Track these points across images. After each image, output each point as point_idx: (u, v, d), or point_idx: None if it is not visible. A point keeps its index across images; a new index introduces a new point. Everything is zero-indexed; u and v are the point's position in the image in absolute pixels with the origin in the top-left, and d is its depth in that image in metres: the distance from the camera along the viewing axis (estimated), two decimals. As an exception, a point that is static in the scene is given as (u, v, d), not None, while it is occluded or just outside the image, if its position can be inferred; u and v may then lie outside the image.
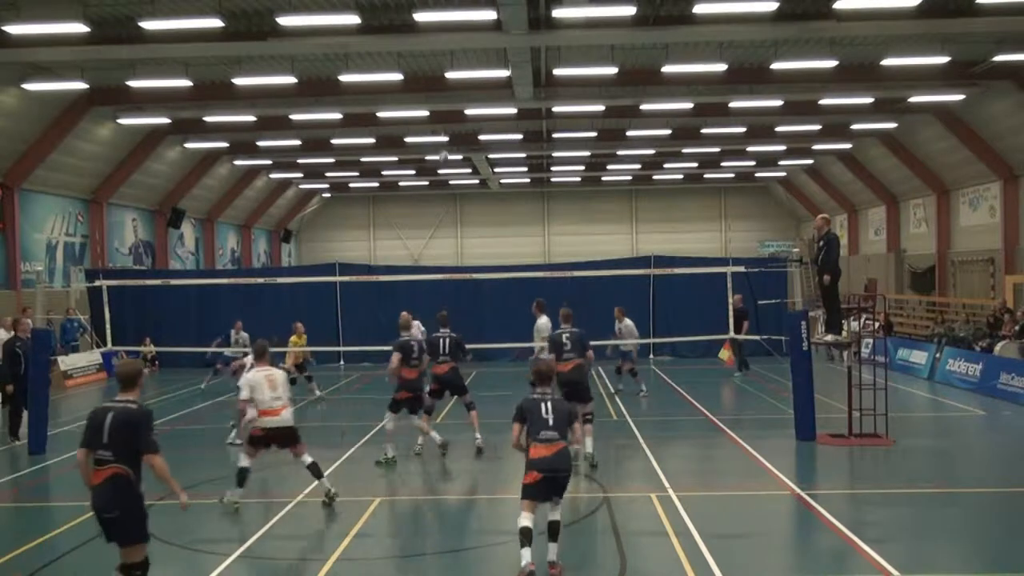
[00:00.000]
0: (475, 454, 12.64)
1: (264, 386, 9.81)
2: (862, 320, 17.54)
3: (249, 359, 12.04)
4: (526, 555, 7.23)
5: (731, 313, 17.31)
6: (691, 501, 9.84)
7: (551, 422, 7.50)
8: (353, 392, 20.84)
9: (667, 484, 10.65)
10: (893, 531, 8.85)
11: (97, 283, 20.61)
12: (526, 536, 7.26)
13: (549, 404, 7.64)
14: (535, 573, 7.22)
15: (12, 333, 15.26)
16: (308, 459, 10.08)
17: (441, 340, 13.03)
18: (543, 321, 14.34)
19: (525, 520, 7.32)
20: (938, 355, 20.69)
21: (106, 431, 6.18)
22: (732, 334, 18.40)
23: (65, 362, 22.66)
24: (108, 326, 17.43)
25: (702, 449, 13.31)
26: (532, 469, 7.42)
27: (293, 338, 18.31)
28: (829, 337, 13.92)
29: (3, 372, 14.48)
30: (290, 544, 9.06)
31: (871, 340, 19.11)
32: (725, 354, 21.85)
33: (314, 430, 14.33)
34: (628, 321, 17.94)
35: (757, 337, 18.48)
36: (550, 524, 7.50)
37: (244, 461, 9.98)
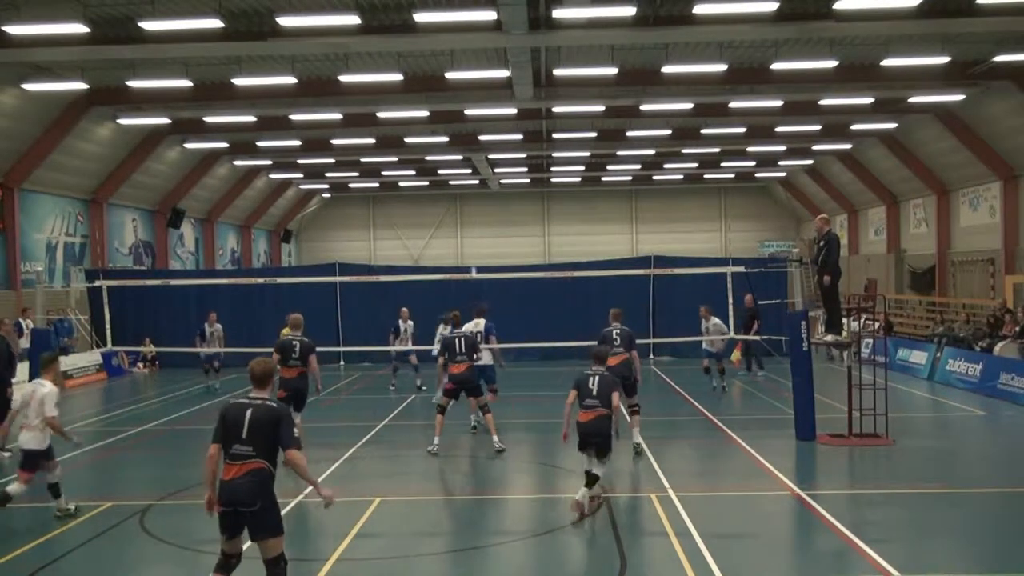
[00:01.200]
0: (494, 454, 12.63)
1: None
2: (862, 320, 17.55)
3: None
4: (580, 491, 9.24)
5: (730, 313, 17.28)
6: (691, 501, 9.84)
7: (595, 392, 9.39)
8: (353, 392, 20.85)
9: (667, 484, 10.65)
10: (893, 531, 8.85)
11: (97, 283, 20.59)
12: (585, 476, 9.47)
13: (596, 378, 9.54)
14: (583, 504, 9.21)
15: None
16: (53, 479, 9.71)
17: (457, 340, 12.99)
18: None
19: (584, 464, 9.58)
20: (938, 355, 20.69)
21: (245, 427, 6.43)
22: (742, 334, 18.43)
23: (65, 362, 22.63)
24: (108, 326, 17.42)
25: (702, 449, 13.31)
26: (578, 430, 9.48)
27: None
28: (829, 337, 13.92)
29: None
30: (290, 544, 9.03)
31: (871, 340, 19.11)
32: (736, 355, 21.95)
33: (315, 430, 14.31)
34: (715, 320, 17.78)
35: (757, 337, 18.49)
36: (586, 473, 9.47)
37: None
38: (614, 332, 12.71)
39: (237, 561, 6.57)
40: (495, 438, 12.79)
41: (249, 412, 6.46)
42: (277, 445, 6.54)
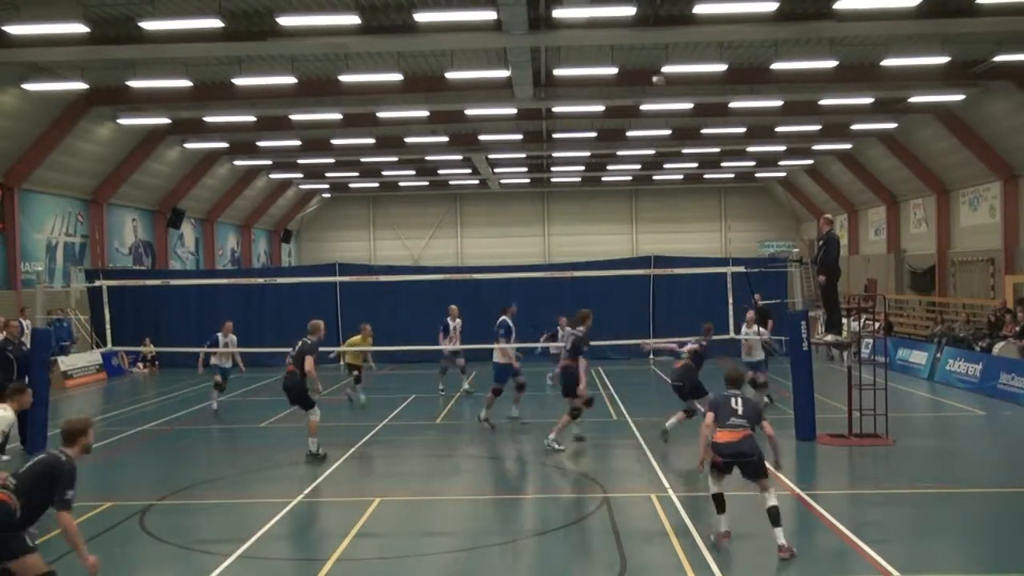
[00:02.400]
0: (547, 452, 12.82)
1: None
2: (862, 320, 17.55)
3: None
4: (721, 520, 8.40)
5: (730, 313, 17.26)
6: (691, 501, 9.84)
7: (740, 412, 8.56)
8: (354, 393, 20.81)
9: (667, 484, 10.65)
10: (893, 531, 8.85)
11: (97, 283, 20.57)
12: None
13: (739, 399, 8.70)
14: (726, 536, 8.33)
15: (2, 335, 14.26)
16: None
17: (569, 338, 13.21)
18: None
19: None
20: (938, 355, 20.69)
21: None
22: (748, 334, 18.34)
23: (65, 362, 22.65)
24: (108, 326, 17.41)
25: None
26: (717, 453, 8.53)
27: (356, 338, 17.69)
28: (829, 337, 13.93)
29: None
30: (290, 544, 9.07)
31: (871, 340, 19.11)
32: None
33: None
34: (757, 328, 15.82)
35: (757, 337, 18.46)
36: (768, 510, 8.20)
37: None
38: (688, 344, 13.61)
39: None
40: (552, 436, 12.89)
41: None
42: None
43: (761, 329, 15.91)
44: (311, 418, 12.42)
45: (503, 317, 15.13)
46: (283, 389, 12.61)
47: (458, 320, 18.62)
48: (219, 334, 17.06)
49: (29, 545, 6.36)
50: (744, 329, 15.78)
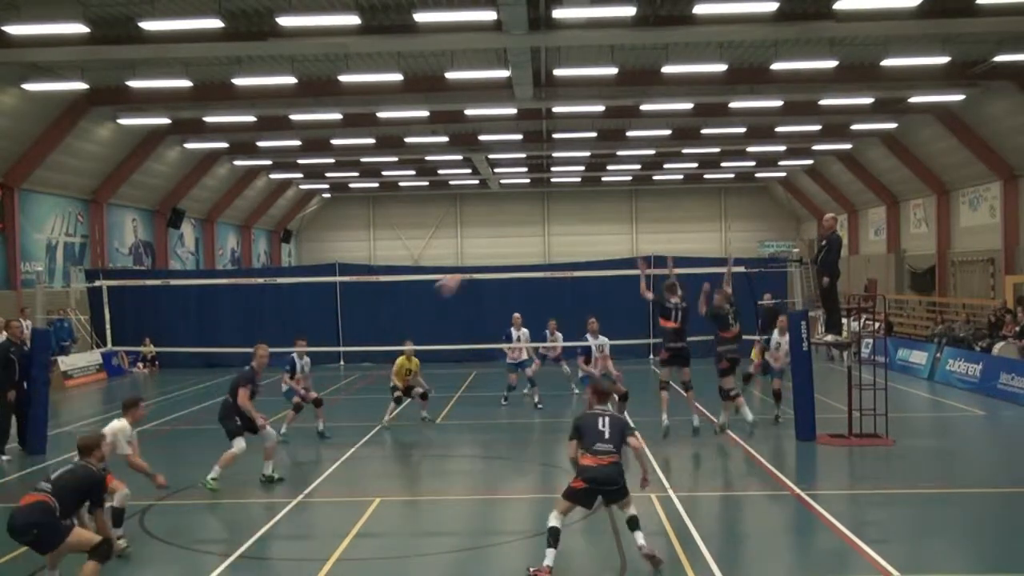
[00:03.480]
0: (693, 434, 13.32)
1: None
2: (862, 320, 17.55)
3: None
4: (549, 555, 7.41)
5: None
6: (691, 501, 9.84)
7: (606, 436, 7.69)
8: (353, 392, 20.85)
9: (667, 484, 10.65)
10: (893, 531, 8.85)
11: (97, 283, 20.62)
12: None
13: (606, 419, 7.84)
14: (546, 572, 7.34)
15: (3, 336, 14.16)
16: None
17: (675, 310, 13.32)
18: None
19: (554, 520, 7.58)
20: (938, 355, 20.69)
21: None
22: (760, 334, 18.35)
23: (65, 362, 22.65)
24: (108, 326, 17.42)
25: (702, 449, 13.30)
26: (579, 477, 7.66)
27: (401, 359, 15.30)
28: (829, 337, 13.92)
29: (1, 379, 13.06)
30: (290, 544, 9.07)
31: (871, 340, 19.11)
32: (756, 354, 21.94)
33: (315, 430, 14.31)
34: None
35: (757, 337, 18.45)
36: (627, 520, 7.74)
37: None
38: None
39: None
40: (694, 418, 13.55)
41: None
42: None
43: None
44: (229, 451, 10.76)
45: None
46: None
47: (524, 330, 17.31)
48: (294, 354, 14.08)
49: (69, 524, 7.06)
50: (776, 337, 14.88)
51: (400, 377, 15.03)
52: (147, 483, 9.05)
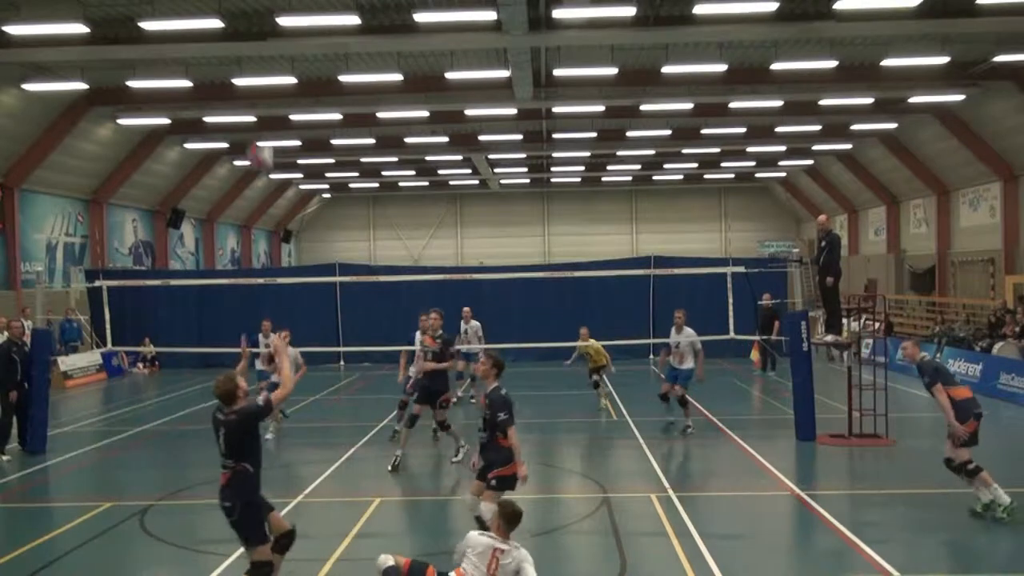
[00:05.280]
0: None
1: None
2: (862, 320, 17.55)
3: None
4: None
5: (730, 313, 17.27)
6: (691, 501, 9.84)
7: None
8: (352, 392, 20.85)
9: (667, 484, 10.65)
10: (893, 531, 8.85)
11: (97, 283, 20.56)
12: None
13: None
14: None
15: (4, 336, 14.11)
16: None
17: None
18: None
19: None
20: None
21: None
22: (759, 334, 18.36)
23: (65, 362, 22.66)
24: (108, 326, 17.40)
25: (702, 449, 13.30)
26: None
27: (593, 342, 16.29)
28: (829, 337, 13.93)
29: (2, 379, 13.12)
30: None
31: (871, 340, 19.11)
32: (755, 355, 22.03)
33: (316, 430, 14.32)
34: (689, 329, 14.29)
35: (757, 337, 18.47)
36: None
37: None
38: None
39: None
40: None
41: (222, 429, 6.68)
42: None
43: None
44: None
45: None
46: None
47: (473, 322, 17.29)
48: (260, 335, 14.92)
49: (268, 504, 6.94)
50: (674, 335, 14.25)
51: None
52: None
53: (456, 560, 6.34)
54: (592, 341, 16.12)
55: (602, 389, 16.54)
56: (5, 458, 12.99)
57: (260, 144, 14.80)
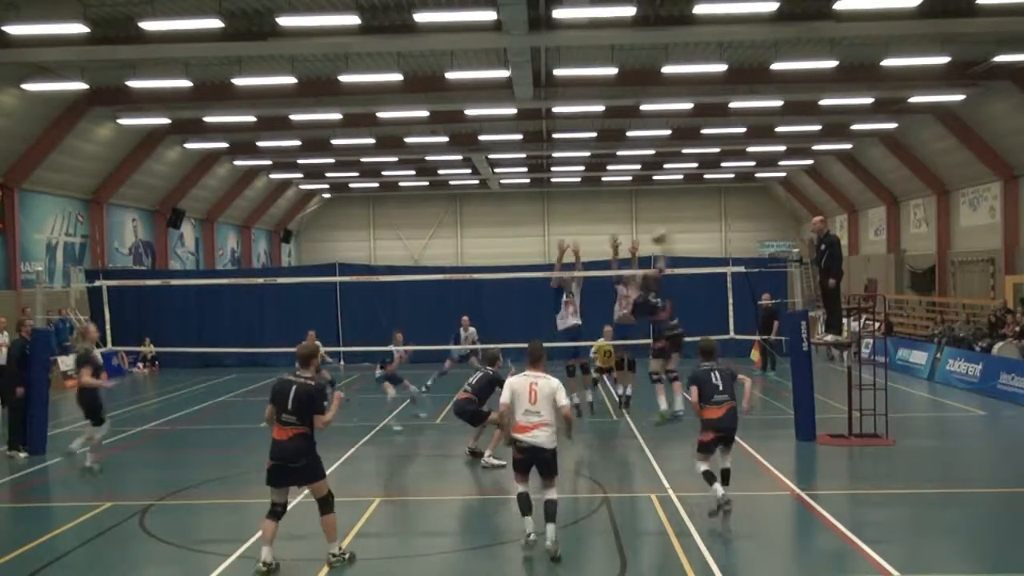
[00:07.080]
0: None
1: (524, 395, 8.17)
2: (862, 320, 17.55)
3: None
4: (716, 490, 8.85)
5: (730, 313, 17.27)
6: (691, 501, 9.84)
7: (721, 387, 9.07)
8: (353, 392, 20.82)
9: (667, 484, 10.65)
10: (893, 531, 8.85)
11: (97, 283, 20.56)
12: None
13: (717, 373, 9.17)
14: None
15: (18, 335, 14.24)
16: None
17: None
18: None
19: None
20: (938, 355, 20.69)
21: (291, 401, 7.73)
22: (759, 334, 18.34)
23: (65, 362, 22.63)
24: (108, 326, 17.40)
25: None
26: (708, 428, 9.06)
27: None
28: (829, 337, 13.93)
29: (12, 376, 13.58)
30: (290, 544, 9.05)
31: (871, 340, 19.11)
32: (755, 354, 22.04)
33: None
34: (609, 328, 15.95)
35: (757, 337, 18.45)
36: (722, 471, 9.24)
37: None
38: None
39: (283, 510, 7.87)
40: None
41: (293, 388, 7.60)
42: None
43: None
44: (94, 434, 11.86)
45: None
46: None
47: (471, 328, 18.66)
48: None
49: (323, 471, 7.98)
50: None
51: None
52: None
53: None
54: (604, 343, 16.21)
55: (592, 388, 16.54)
56: (22, 455, 13.14)
57: None
